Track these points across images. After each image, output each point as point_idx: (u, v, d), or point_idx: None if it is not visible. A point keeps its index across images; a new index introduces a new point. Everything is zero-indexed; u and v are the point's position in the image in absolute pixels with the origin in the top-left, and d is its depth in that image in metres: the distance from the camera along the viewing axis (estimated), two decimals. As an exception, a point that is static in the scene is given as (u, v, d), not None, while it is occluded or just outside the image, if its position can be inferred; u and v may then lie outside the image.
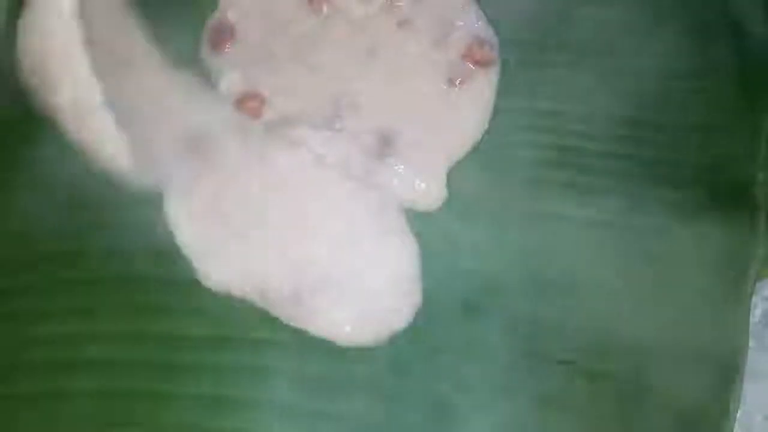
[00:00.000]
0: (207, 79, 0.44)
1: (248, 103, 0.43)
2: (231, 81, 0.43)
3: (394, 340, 0.39)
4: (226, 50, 0.44)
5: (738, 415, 0.37)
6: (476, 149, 0.42)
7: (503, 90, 0.43)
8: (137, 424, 0.38)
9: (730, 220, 0.40)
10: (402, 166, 0.41)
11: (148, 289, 0.41)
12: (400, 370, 0.39)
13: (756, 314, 0.38)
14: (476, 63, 0.43)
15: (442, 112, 0.42)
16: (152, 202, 0.41)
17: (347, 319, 0.39)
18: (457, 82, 0.43)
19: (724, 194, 0.41)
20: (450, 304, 0.40)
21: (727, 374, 0.37)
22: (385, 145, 0.41)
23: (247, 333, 0.40)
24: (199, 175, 0.42)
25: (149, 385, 0.39)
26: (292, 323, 0.39)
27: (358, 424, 0.38)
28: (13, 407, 0.39)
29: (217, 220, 0.41)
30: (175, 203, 0.42)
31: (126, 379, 0.39)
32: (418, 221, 0.41)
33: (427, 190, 0.41)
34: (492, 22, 0.44)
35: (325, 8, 0.45)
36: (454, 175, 0.41)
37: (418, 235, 0.40)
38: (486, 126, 0.42)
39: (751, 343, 0.38)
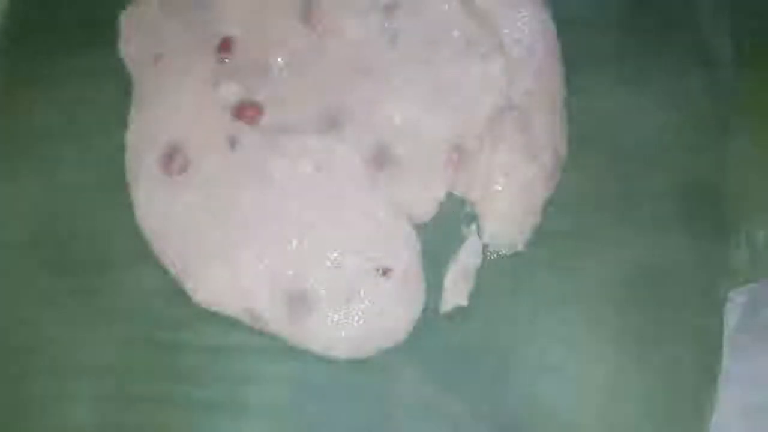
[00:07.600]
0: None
1: (246, 111, 0.43)
2: (229, 90, 0.44)
3: (387, 346, 0.40)
4: (226, 60, 0.45)
5: (714, 417, 0.38)
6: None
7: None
8: (136, 428, 0.39)
9: (702, 234, 0.42)
10: (399, 179, 0.42)
11: (148, 297, 0.41)
12: (393, 376, 0.40)
13: (730, 321, 0.40)
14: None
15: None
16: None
17: (346, 338, 0.39)
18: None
19: (697, 209, 0.43)
20: (436, 310, 0.41)
21: (703, 378, 0.39)
22: (383, 156, 0.42)
23: (244, 340, 0.40)
24: (181, 185, 0.42)
25: (148, 390, 0.40)
26: (287, 341, 0.40)
27: (353, 429, 0.39)
28: (17, 410, 0.40)
29: (201, 235, 0.41)
30: (153, 214, 0.42)
31: (125, 384, 0.40)
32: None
33: (422, 204, 0.42)
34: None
35: (320, 26, 0.45)
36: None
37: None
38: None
39: (726, 349, 0.40)
